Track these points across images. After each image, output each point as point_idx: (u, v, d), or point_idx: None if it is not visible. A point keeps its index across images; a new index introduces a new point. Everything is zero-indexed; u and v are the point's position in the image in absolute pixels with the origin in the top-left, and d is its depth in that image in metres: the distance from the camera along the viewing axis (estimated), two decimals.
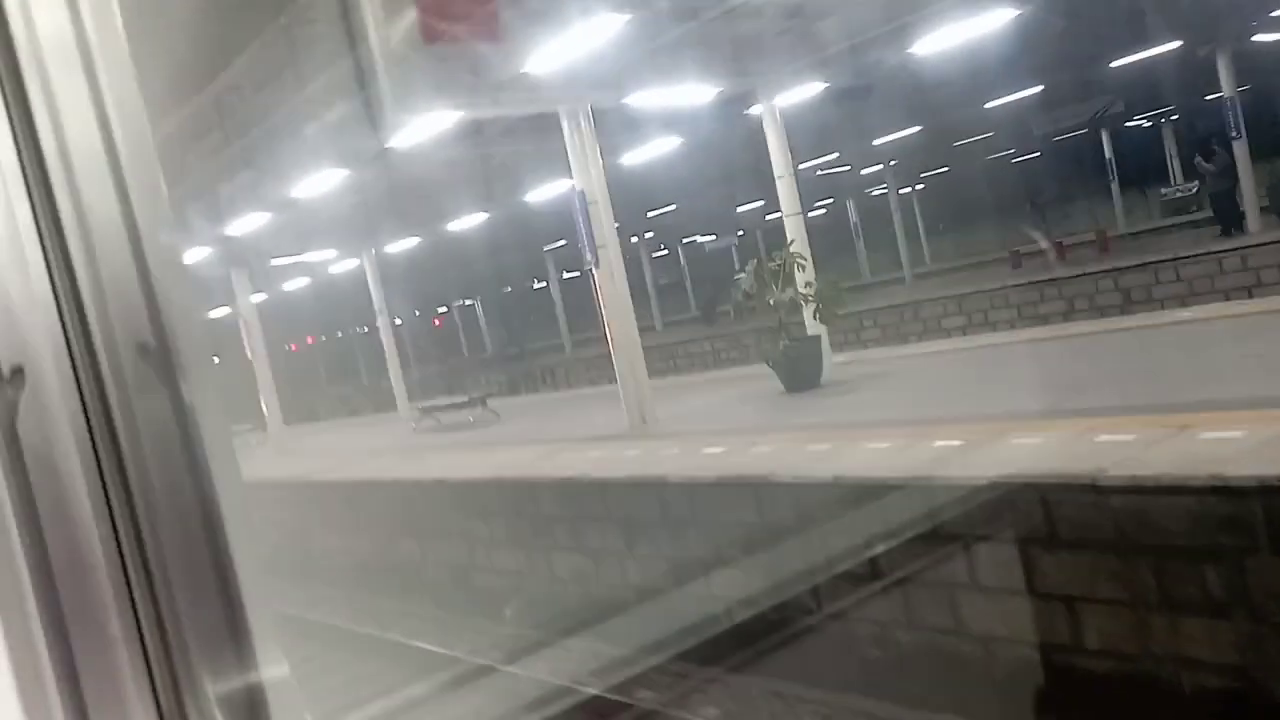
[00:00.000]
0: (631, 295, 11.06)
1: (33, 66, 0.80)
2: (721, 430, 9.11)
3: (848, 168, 26.25)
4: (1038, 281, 17.40)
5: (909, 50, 12.26)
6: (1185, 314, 11.24)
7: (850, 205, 29.33)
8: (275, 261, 21.53)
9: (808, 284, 11.09)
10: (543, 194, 18.66)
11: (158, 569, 0.79)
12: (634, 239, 29.65)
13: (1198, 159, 18.55)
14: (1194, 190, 24.06)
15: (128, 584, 0.79)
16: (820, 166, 23.74)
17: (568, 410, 15.09)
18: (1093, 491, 4.99)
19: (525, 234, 26.31)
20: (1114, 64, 19.55)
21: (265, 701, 0.83)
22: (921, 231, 30.32)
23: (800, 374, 10.92)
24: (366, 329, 30.02)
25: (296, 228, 17.83)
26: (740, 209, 30.48)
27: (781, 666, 6.30)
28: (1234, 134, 17.01)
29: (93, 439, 0.78)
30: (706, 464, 7.55)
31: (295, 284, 28.47)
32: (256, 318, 17.28)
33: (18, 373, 0.76)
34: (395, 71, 8.31)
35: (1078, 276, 16.88)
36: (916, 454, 6.39)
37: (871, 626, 6.13)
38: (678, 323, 31.87)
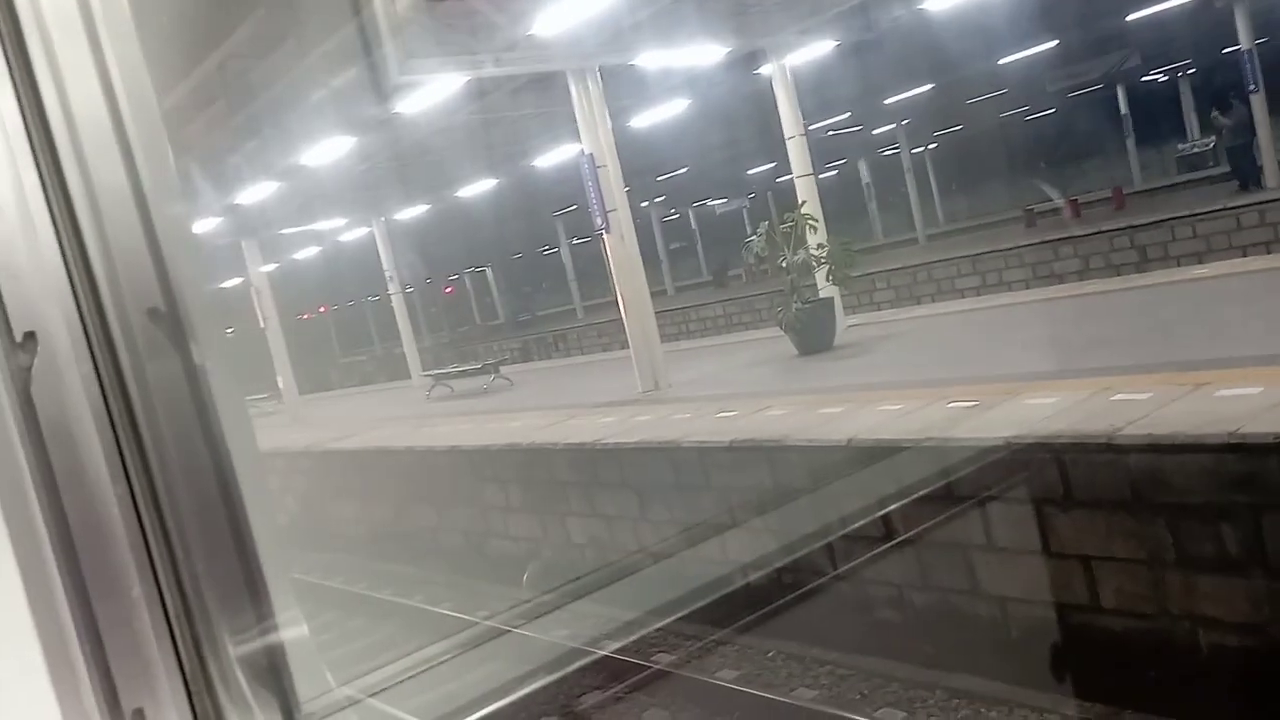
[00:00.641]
0: (642, 259, 11.03)
1: (36, 33, 0.79)
2: (734, 394, 9.12)
3: (859, 128, 25.97)
4: (1052, 240, 17.25)
5: (920, 6, 12.07)
6: (1202, 270, 11.14)
7: (862, 166, 29.07)
8: (285, 231, 21.54)
9: (820, 246, 11.03)
10: (552, 159, 18.56)
11: (176, 531, 0.80)
12: (644, 203, 29.50)
13: (1214, 113, 18.27)
14: (1210, 145, 23.71)
15: (147, 547, 0.79)
16: (831, 127, 23.50)
17: (580, 376, 15.12)
18: (1108, 450, 4.98)
19: (535, 199, 26.24)
20: (1129, 17, 19.23)
21: (285, 661, 0.84)
22: (935, 191, 30.03)
23: (813, 337, 10.90)
24: (378, 297, 30.07)
25: (305, 196, 17.82)
26: (751, 171, 30.27)
27: (797, 628, 6.36)
28: (1251, 87, 16.72)
29: (106, 403, 0.79)
30: (719, 428, 7.57)
31: (305, 253, 28.52)
32: (268, 287, 17.33)
33: (30, 338, 0.77)
34: (401, 34, 8.24)
35: (1092, 234, 16.72)
36: (930, 415, 6.38)
37: (887, 588, 6.16)
38: (689, 287, 31.79)
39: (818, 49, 12.02)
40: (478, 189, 21.91)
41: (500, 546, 9.55)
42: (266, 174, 15.23)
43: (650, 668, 6.29)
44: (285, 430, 15.43)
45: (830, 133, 24.05)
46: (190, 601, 0.81)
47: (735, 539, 7.07)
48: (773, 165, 26.70)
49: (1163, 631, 4.89)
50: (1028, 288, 15.63)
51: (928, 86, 22.48)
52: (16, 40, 0.79)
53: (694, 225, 36.25)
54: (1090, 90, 25.69)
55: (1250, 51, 16.70)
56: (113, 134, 0.82)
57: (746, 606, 6.59)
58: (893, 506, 5.90)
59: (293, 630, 0.85)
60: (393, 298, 20.32)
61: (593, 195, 10.23)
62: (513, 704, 5.36)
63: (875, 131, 28.00)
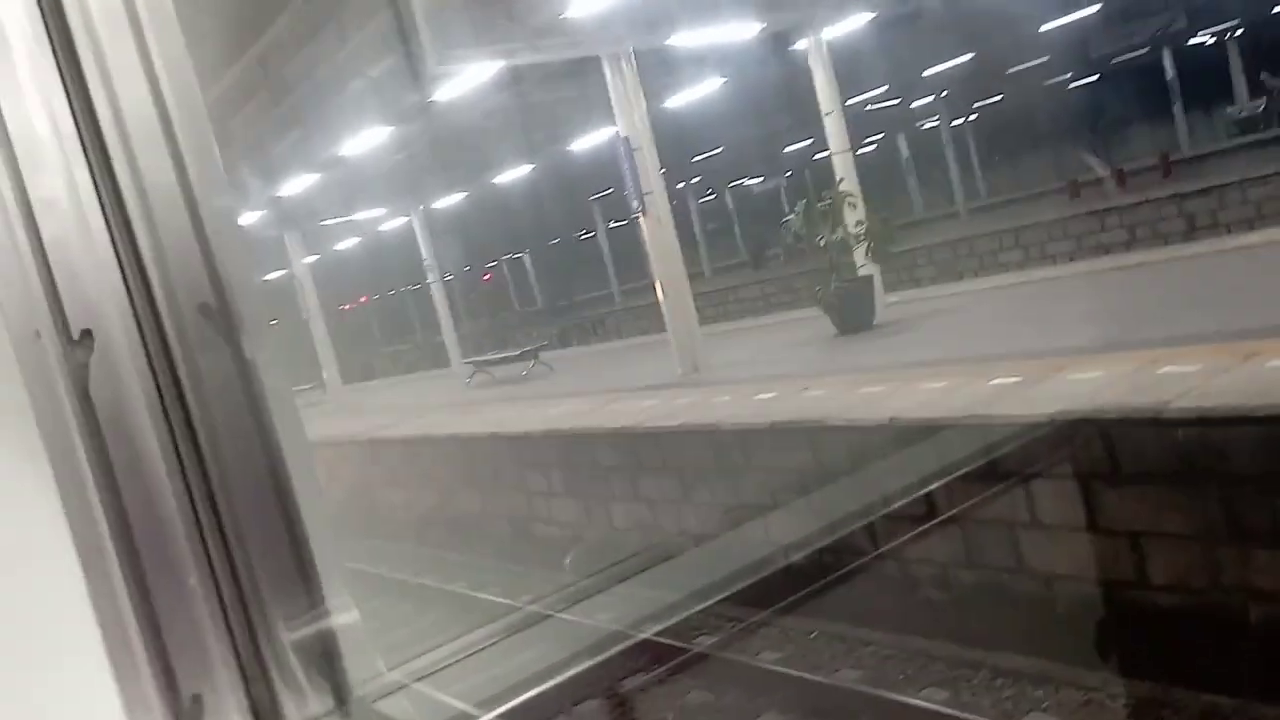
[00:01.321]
0: (679, 242, 10.99)
1: (84, 35, 0.81)
2: (773, 375, 9.07)
3: (897, 101, 25.60)
4: (1097, 211, 16.91)
5: None
6: (1252, 238, 10.85)
7: (901, 140, 28.65)
8: (325, 222, 21.77)
9: (858, 223, 10.91)
10: (587, 142, 18.55)
11: (230, 522, 0.82)
12: (680, 184, 29.37)
13: (1264, 74, 17.76)
14: (1261, 108, 23.05)
15: (202, 538, 0.81)
16: (869, 101, 23.20)
17: (619, 361, 15.14)
18: (1156, 425, 4.89)
19: (570, 184, 26.23)
20: None
21: (337, 646, 0.86)
22: (975, 164, 29.51)
23: (852, 315, 10.80)
24: (418, 286, 30.31)
25: (345, 187, 17.99)
26: (787, 149, 29.94)
27: (840, 609, 6.33)
28: None
29: (161, 397, 0.81)
30: (760, 410, 7.54)
31: (346, 244, 28.81)
32: (310, 279, 17.56)
33: (87, 335, 0.79)
34: (436, 22, 8.26)
35: (1139, 204, 16.37)
36: (973, 393, 6.30)
37: (931, 567, 6.12)
38: (727, 268, 31.62)
39: (854, 22, 11.86)
40: (514, 175, 21.98)
41: (543, 531, 9.62)
42: (307, 166, 15.40)
43: (692, 650, 6.30)
44: (330, 420, 15.65)
45: (868, 107, 23.73)
46: (245, 590, 0.83)
47: (777, 520, 7.05)
48: (810, 142, 26.41)
49: (1214, 605, 4.81)
50: (1072, 260, 15.36)
51: (967, 57, 22.08)
52: (66, 42, 0.80)
53: (730, 206, 36.01)
54: (1135, 55, 25.04)
55: None
56: (161, 132, 0.83)
57: (789, 588, 6.57)
58: (935, 485, 5.85)
59: (344, 616, 0.86)
60: (432, 286, 20.47)
61: (628, 178, 10.21)
62: (558, 686, 5.40)
63: (914, 105, 27.57)
